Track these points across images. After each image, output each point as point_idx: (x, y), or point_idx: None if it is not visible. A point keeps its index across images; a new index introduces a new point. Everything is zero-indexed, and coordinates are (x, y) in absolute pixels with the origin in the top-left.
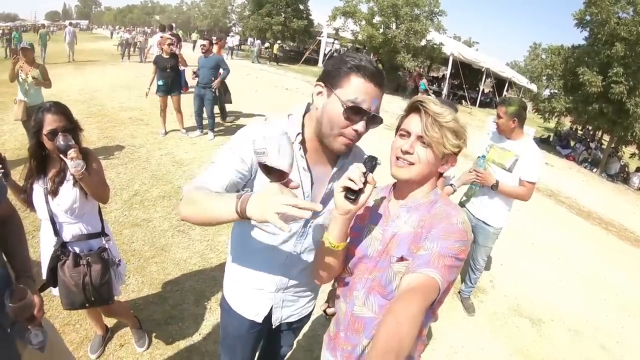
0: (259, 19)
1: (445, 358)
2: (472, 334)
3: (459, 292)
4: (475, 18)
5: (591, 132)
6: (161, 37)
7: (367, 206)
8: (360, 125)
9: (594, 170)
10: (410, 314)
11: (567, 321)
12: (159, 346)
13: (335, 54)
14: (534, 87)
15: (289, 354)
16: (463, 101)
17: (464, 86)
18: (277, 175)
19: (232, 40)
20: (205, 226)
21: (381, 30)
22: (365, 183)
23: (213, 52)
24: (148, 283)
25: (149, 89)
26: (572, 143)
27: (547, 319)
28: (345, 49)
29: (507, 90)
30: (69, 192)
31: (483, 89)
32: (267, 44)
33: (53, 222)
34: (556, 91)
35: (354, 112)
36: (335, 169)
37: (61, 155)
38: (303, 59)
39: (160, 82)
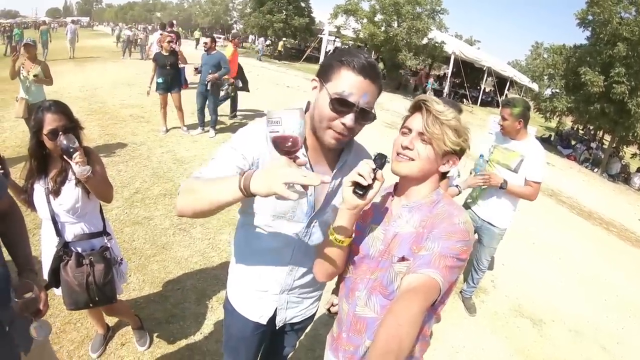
0: (260, 17)
1: (447, 358)
2: (474, 334)
3: (461, 292)
4: (476, 17)
5: (592, 132)
6: (161, 34)
7: (370, 206)
8: (348, 119)
9: (595, 170)
10: (411, 315)
11: (568, 322)
12: (160, 345)
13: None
14: (535, 87)
15: (291, 353)
16: (464, 100)
17: (465, 85)
18: (287, 148)
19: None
20: (205, 216)
21: (383, 29)
22: (374, 179)
23: (216, 49)
24: (149, 282)
25: (150, 87)
26: (573, 143)
27: (548, 319)
28: (347, 47)
29: (508, 90)
30: (71, 192)
31: (484, 88)
32: (268, 42)
33: (55, 222)
34: (558, 91)
35: (339, 104)
36: (336, 170)
37: (65, 157)
38: (304, 56)
39: (160, 80)
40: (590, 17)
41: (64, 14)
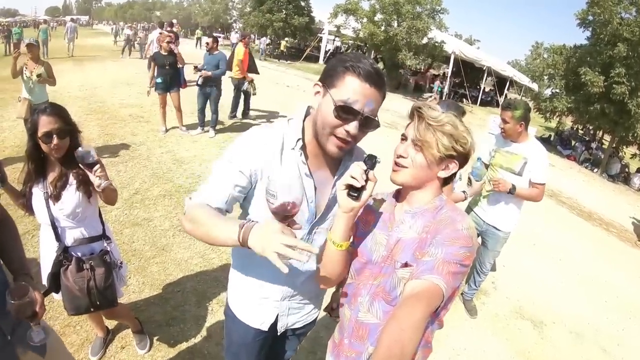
0: (260, 16)
1: None
2: (474, 336)
3: (462, 294)
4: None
5: (592, 132)
6: (160, 33)
7: (372, 211)
8: (351, 127)
9: (595, 170)
10: (414, 321)
11: (569, 323)
12: (160, 348)
13: (336, 52)
14: (535, 87)
15: (291, 358)
16: (464, 99)
17: (465, 84)
18: (282, 216)
19: (234, 37)
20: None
21: (382, 28)
22: (366, 180)
23: (218, 49)
24: (149, 284)
25: (150, 86)
26: (573, 143)
27: (549, 321)
28: (347, 46)
29: (508, 89)
30: (71, 197)
31: (484, 88)
32: (267, 41)
33: (54, 227)
34: (558, 91)
35: (344, 111)
36: (336, 177)
37: (84, 168)
38: (304, 56)
39: (159, 80)
40: (590, 18)
41: (63, 12)
